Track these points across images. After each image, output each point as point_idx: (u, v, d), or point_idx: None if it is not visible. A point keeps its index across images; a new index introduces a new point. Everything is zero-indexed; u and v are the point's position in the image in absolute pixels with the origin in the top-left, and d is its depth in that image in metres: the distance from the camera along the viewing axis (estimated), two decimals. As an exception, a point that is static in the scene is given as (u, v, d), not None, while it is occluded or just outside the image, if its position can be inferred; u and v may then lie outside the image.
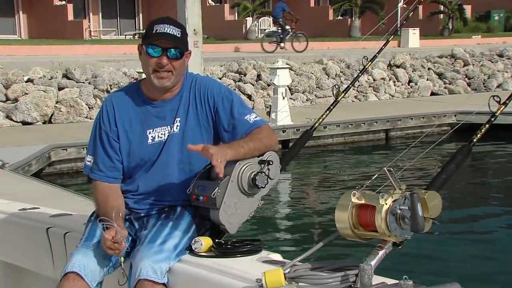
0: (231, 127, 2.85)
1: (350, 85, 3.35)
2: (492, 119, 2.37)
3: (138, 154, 2.89)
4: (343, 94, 3.20)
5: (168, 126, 2.88)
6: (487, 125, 2.37)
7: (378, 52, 3.48)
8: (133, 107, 2.91)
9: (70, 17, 27.02)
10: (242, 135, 2.81)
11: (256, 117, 2.89)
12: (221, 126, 2.88)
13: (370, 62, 3.34)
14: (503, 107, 2.40)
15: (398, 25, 3.91)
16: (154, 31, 2.78)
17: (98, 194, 2.89)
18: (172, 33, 2.77)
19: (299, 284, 2.25)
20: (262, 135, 2.79)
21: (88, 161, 2.94)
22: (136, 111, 2.91)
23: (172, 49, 2.78)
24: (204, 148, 2.64)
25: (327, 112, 3.22)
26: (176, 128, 2.88)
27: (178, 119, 2.88)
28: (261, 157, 2.78)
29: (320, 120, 3.20)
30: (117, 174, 2.92)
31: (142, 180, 2.90)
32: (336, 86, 3.24)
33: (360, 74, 3.43)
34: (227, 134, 2.87)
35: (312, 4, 34.38)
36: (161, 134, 2.88)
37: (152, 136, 2.88)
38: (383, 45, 3.31)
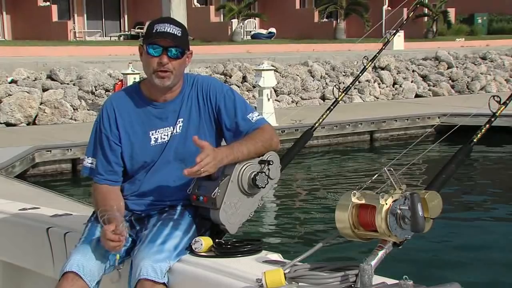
0: (234, 126, 2.85)
1: (351, 85, 3.35)
2: (492, 119, 2.38)
3: (141, 156, 2.87)
4: (343, 94, 3.21)
5: (171, 127, 2.86)
6: (487, 125, 2.38)
7: (379, 52, 3.49)
8: (134, 108, 2.89)
9: (55, 18, 26.94)
10: (244, 134, 2.81)
11: (258, 115, 2.89)
12: (223, 125, 2.87)
13: (370, 62, 3.35)
14: (503, 107, 2.42)
15: (397, 27, 3.94)
16: (154, 31, 2.76)
17: (98, 194, 2.87)
18: (173, 32, 2.75)
19: (299, 284, 2.24)
20: (264, 136, 2.78)
21: (90, 163, 2.92)
22: (137, 113, 2.88)
23: (172, 48, 2.76)
24: (204, 145, 2.62)
25: (328, 112, 3.22)
26: (179, 129, 2.86)
27: (180, 119, 2.87)
28: (261, 157, 2.78)
29: (321, 120, 3.20)
30: (116, 178, 2.90)
31: (144, 181, 2.88)
32: (337, 86, 3.24)
33: (360, 74, 3.44)
34: (229, 133, 2.87)
35: (297, 6, 34.51)
36: (164, 135, 2.86)
37: (155, 138, 2.86)
38: (383, 45, 3.32)
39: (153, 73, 2.78)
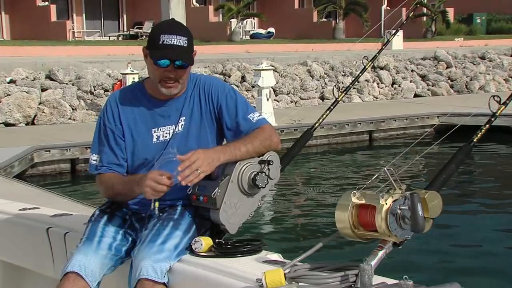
0: (234, 125, 2.86)
1: (351, 85, 3.37)
2: (492, 119, 2.38)
3: (143, 153, 2.89)
4: (343, 94, 3.21)
5: (173, 125, 2.88)
6: (487, 125, 2.38)
7: (378, 52, 3.49)
8: (138, 105, 2.90)
9: (53, 18, 26.92)
10: (244, 134, 2.82)
11: (259, 116, 2.89)
12: (224, 125, 2.88)
13: (370, 62, 3.35)
14: (503, 107, 2.42)
15: (397, 27, 3.94)
16: (161, 42, 2.72)
17: (108, 179, 2.88)
18: (180, 44, 2.72)
19: (299, 284, 2.24)
20: (263, 136, 2.79)
21: (94, 160, 2.93)
22: (141, 110, 2.90)
23: (180, 61, 2.75)
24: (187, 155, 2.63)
25: (328, 112, 3.23)
26: (181, 127, 2.88)
27: (182, 118, 2.88)
28: (261, 157, 2.78)
29: (321, 120, 3.21)
30: (121, 170, 2.92)
31: None
32: (337, 86, 3.24)
33: (360, 74, 3.45)
34: (230, 132, 2.87)
35: (296, 5, 34.51)
36: (166, 133, 2.88)
37: (157, 135, 2.88)
38: (383, 45, 3.33)
39: (159, 83, 2.79)
